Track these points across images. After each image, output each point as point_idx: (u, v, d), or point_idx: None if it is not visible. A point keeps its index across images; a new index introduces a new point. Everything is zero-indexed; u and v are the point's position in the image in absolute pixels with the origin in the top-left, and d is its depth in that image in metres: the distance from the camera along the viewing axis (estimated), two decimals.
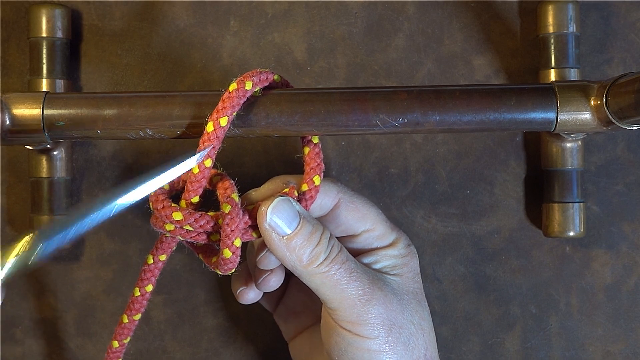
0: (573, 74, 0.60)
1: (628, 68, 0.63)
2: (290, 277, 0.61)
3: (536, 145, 0.63)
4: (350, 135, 0.62)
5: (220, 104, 0.50)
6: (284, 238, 0.51)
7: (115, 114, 0.52)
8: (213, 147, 0.50)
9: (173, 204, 0.51)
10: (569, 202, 0.61)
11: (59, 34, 0.61)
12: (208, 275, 0.64)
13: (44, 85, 0.61)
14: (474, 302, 0.64)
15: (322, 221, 0.54)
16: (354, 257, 0.54)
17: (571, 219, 0.61)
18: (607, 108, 0.51)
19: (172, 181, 0.51)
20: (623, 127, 0.50)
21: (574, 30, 0.61)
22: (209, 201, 0.52)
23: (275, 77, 0.53)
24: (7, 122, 0.53)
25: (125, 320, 0.56)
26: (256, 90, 0.51)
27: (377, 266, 0.55)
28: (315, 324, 0.59)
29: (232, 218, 0.50)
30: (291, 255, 0.51)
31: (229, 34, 0.64)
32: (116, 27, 0.64)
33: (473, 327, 0.64)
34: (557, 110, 0.52)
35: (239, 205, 0.51)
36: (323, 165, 0.53)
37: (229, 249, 0.50)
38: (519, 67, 0.64)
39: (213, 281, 0.64)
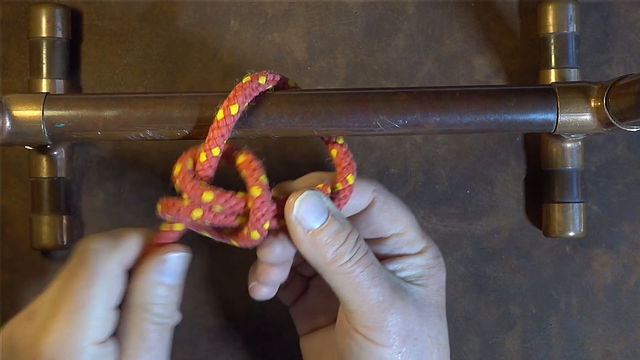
0: (573, 74, 0.60)
1: (628, 68, 0.63)
2: (311, 278, 0.60)
3: (536, 145, 0.63)
4: (350, 136, 0.63)
5: (232, 92, 0.50)
6: (309, 232, 0.50)
7: (115, 115, 0.52)
8: (222, 136, 0.50)
9: (202, 184, 0.50)
10: (569, 202, 0.61)
11: (59, 34, 0.61)
12: (208, 275, 0.64)
13: (44, 85, 0.61)
14: (474, 302, 0.64)
15: (353, 219, 0.54)
16: (380, 261, 0.53)
17: (571, 219, 0.61)
18: (607, 109, 0.51)
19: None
20: (623, 128, 0.50)
21: (574, 30, 0.61)
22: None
23: (290, 82, 0.53)
24: (7, 124, 0.53)
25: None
26: (269, 87, 0.51)
27: (402, 274, 0.54)
28: (330, 325, 0.58)
29: (263, 202, 0.49)
30: (315, 251, 0.51)
31: (229, 34, 0.64)
32: (116, 27, 0.64)
33: (473, 327, 0.64)
34: (558, 111, 0.52)
35: (269, 188, 0.50)
36: (354, 163, 0.53)
37: (258, 232, 0.50)
38: (519, 67, 0.64)
39: (213, 281, 0.64)
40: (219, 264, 0.64)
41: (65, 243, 0.62)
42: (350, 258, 0.50)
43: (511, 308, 0.64)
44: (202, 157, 0.50)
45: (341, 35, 0.64)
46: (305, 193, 0.50)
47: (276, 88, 0.53)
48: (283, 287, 0.58)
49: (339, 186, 0.52)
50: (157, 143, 0.63)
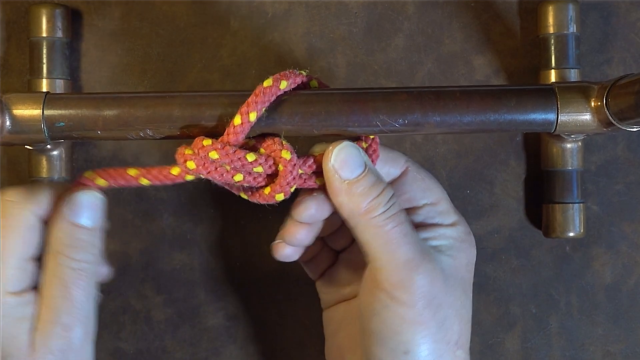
0: (573, 75, 0.60)
1: (628, 68, 0.63)
2: (340, 252, 0.60)
3: (536, 146, 0.63)
4: (350, 136, 0.63)
5: (252, 97, 0.50)
6: (346, 182, 0.51)
7: (115, 114, 0.52)
8: (237, 141, 0.50)
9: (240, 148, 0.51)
10: (569, 203, 0.61)
11: (59, 34, 0.61)
12: (208, 275, 0.64)
13: (44, 85, 0.61)
14: (474, 302, 0.64)
15: None
16: None
17: (571, 220, 0.61)
18: (607, 109, 0.51)
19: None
20: (623, 128, 0.50)
21: (574, 30, 0.61)
22: None
23: (313, 82, 0.53)
24: (7, 123, 0.53)
25: None
26: (287, 91, 0.52)
27: (433, 243, 0.54)
28: (354, 297, 0.58)
29: (294, 164, 0.51)
30: (350, 201, 0.51)
31: (229, 34, 0.64)
32: (116, 27, 0.64)
33: (473, 327, 0.64)
34: (558, 111, 0.52)
35: (295, 154, 0.51)
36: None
37: (284, 194, 0.51)
38: (519, 67, 0.64)
39: (213, 281, 0.64)
40: (219, 263, 0.64)
41: None
42: (384, 211, 0.51)
43: (511, 308, 0.64)
44: (214, 155, 0.50)
45: (341, 35, 0.64)
46: (344, 143, 0.51)
47: (296, 89, 0.53)
48: (311, 259, 0.59)
49: (364, 144, 0.53)
50: (157, 143, 0.63)
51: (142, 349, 0.65)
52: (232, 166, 0.50)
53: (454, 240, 0.54)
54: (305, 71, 0.53)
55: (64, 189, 0.51)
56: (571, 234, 0.61)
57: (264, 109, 0.50)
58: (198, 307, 0.65)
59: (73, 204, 0.50)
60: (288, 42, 0.64)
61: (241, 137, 0.50)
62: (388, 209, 0.51)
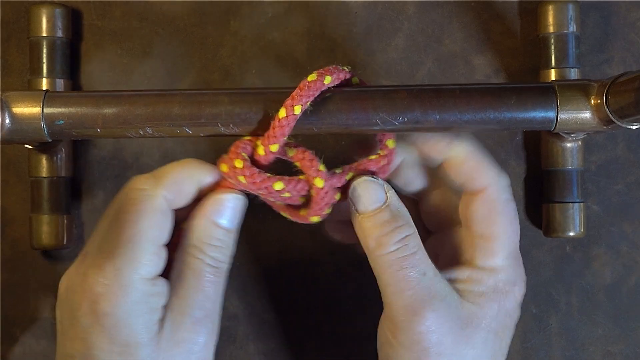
0: (573, 74, 0.60)
1: (628, 67, 0.63)
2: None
3: (536, 145, 0.63)
4: (349, 134, 0.63)
5: (296, 91, 0.50)
6: (359, 215, 0.51)
7: (115, 112, 0.52)
8: (283, 134, 0.50)
9: (268, 175, 0.50)
10: (569, 202, 0.61)
11: (59, 34, 0.61)
12: None
13: (44, 85, 0.61)
14: None
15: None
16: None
17: (571, 219, 0.61)
18: (607, 107, 0.51)
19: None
20: (623, 125, 0.50)
21: (574, 30, 0.61)
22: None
23: (354, 79, 0.53)
24: (7, 121, 0.53)
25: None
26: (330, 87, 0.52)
27: (459, 286, 0.52)
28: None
29: (326, 192, 0.51)
30: (360, 234, 0.51)
31: (229, 33, 0.64)
32: (116, 26, 0.64)
33: None
34: (557, 109, 0.52)
35: (329, 177, 0.51)
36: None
37: (320, 217, 0.52)
38: (519, 67, 0.64)
39: None
40: None
41: (65, 243, 0.62)
42: (394, 250, 0.50)
43: None
44: (261, 151, 0.50)
45: (341, 35, 0.64)
46: (363, 178, 0.51)
47: (339, 86, 0.52)
48: None
49: (382, 152, 0.53)
50: (157, 142, 0.63)
51: None
52: (254, 188, 0.50)
53: (486, 287, 0.52)
54: (347, 67, 0.53)
55: (194, 172, 0.51)
56: (571, 234, 0.61)
57: (308, 104, 0.50)
58: None
59: (218, 204, 0.51)
60: (288, 42, 0.64)
61: (287, 131, 0.50)
62: (399, 248, 0.50)
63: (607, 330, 0.64)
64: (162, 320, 0.49)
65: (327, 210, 0.52)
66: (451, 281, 0.52)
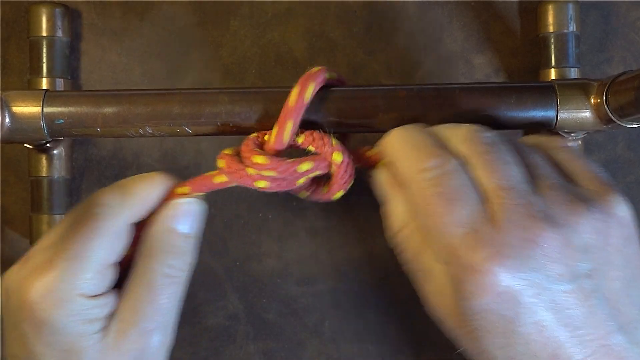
0: (573, 74, 0.60)
1: (628, 67, 0.63)
2: None
3: None
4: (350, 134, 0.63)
5: (305, 76, 0.50)
6: None
7: (114, 111, 0.52)
8: (298, 117, 0.50)
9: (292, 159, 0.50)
10: None
11: (59, 33, 0.61)
12: (208, 275, 0.64)
13: (44, 85, 0.61)
14: None
15: None
16: None
17: None
18: (607, 106, 0.51)
19: None
20: (623, 125, 0.50)
21: (574, 29, 0.61)
22: None
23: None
24: (7, 120, 0.53)
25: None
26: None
27: None
28: None
29: (347, 164, 0.50)
30: None
31: (229, 33, 0.64)
32: (116, 26, 0.64)
33: None
34: (557, 108, 0.52)
35: (346, 150, 0.51)
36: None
37: (344, 191, 0.52)
38: (519, 66, 0.64)
39: (213, 281, 0.64)
40: (219, 263, 0.64)
41: None
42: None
43: None
44: (272, 140, 0.50)
45: (341, 35, 0.64)
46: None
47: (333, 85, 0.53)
48: None
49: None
50: (157, 141, 0.64)
51: None
52: (282, 177, 0.50)
53: None
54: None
55: (161, 188, 0.50)
56: None
57: (313, 92, 0.50)
58: (198, 307, 0.65)
59: (174, 209, 0.50)
60: (288, 42, 0.64)
61: (298, 115, 0.50)
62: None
63: None
64: (106, 329, 0.48)
65: (350, 183, 0.51)
66: None
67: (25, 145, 0.59)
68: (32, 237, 0.61)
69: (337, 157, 0.50)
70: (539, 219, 0.44)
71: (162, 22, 0.64)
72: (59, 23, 0.61)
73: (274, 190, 0.50)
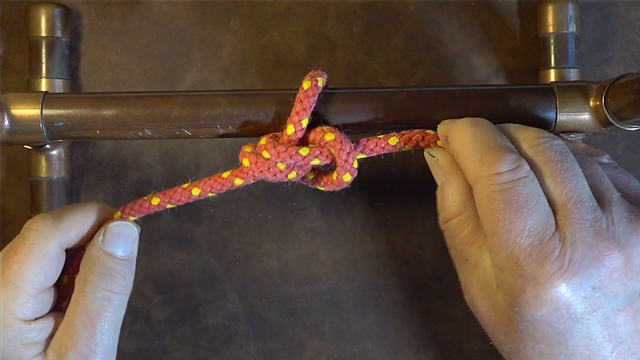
0: (573, 74, 0.60)
1: (628, 67, 0.63)
2: None
3: None
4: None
5: (313, 72, 0.51)
6: None
7: (114, 114, 0.52)
8: (310, 106, 0.50)
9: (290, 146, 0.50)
10: None
11: (58, 34, 0.61)
12: (208, 275, 0.64)
13: (43, 85, 0.61)
14: None
15: None
16: None
17: None
18: (606, 109, 0.51)
19: None
20: (622, 128, 0.50)
21: (574, 30, 0.61)
22: None
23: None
24: (6, 122, 0.53)
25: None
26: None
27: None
28: None
29: (341, 140, 0.50)
30: None
31: (229, 33, 0.64)
32: (116, 26, 0.64)
33: (473, 327, 0.64)
34: (556, 111, 0.52)
35: (340, 133, 0.50)
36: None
37: (349, 173, 0.51)
38: (519, 67, 0.64)
39: (213, 281, 0.64)
40: (218, 263, 0.64)
41: None
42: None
43: None
44: (290, 130, 0.50)
45: (341, 35, 0.64)
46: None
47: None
48: None
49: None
50: (157, 143, 0.63)
51: (142, 348, 0.65)
52: (287, 164, 0.50)
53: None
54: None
55: (94, 215, 0.51)
56: None
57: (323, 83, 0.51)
58: (198, 307, 0.65)
59: (108, 233, 0.50)
60: (288, 42, 0.64)
61: (312, 102, 0.50)
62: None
63: None
64: (45, 353, 0.48)
65: (354, 164, 0.51)
66: None
67: (24, 146, 0.59)
68: None
69: (329, 136, 0.50)
70: (605, 237, 0.44)
71: (162, 22, 0.64)
72: (58, 23, 0.61)
73: (291, 179, 0.51)
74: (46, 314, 0.49)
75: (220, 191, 0.52)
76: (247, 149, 0.51)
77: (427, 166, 0.61)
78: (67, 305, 0.50)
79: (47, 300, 0.49)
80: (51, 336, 0.49)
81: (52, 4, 0.62)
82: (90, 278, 0.49)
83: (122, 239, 0.51)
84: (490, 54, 0.64)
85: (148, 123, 0.52)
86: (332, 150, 0.50)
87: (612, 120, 0.50)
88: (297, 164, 0.50)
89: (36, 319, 0.48)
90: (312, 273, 0.64)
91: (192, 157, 0.64)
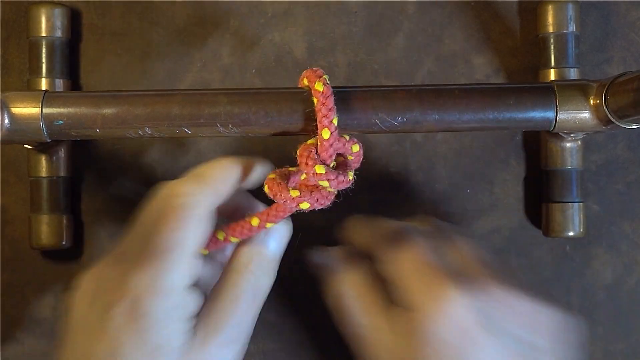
0: (573, 74, 0.60)
1: (628, 67, 0.63)
2: None
3: (536, 145, 0.63)
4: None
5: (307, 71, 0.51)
6: None
7: (114, 112, 0.52)
8: (334, 105, 0.49)
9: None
10: (568, 202, 0.61)
11: (59, 34, 0.61)
12: None
13: (44, 85, 0.61)
14: None
15: None
16: None
17: (571, 219, 0.61)
18: (606, 107, 0.51)
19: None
20: (622, 126, 0.50)
21: (574, 29, 0.61)
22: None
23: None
24: (6, 121, 0.53)
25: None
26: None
27: None
28: None
29: (325, 96, 0.49)
30: None
31: (229, 33, 0.64)
32: (116, 26, 0.64)
33: None
34: (557, 109, 0.52)
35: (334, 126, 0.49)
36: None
37: (328, 128, 0.49)
38: (519, 66, 0.64)
39: None
40: None
41: (64, 243, 0.62)
42: None
43: None
44: (326, 134, 0.49)
45: (341, 35, 0.64)
46: None
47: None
48: None
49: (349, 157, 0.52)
50: (157, 142, 0.63)
51: None
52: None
53: None
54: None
55: (236, 171, 0.51)
56: (571, 234, 0.61)
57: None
58: None
59: (267, 233, 0.52)
60: (288, 42, 0.64)
61: (333, 101, 0.49)
62: None
63: (608, 329, 0.64)
64: (193, 329, 0.48)
65: (334, 120, 0.49)
66: None
67: (24, 145, 0.59)
68: (32, 237, 0.61)
69: (325, 134, 0.49)
70: None
71: (162, 22, 0.64)
72: (58, 23, 0.61)
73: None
74: (195, 284, 0.49)
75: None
76: (294, 193, 0.49)
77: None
78: (214, 290, 0.50)
79: (200, 265, 0.50)
80: (197, 313, 0.49)
81: (52, 4, 0.62)
82: (243, 272, 0.50)
83: (281, 239, 0.53)
84: (490, 53, 0.64)
85: (148, 121, 0.52)
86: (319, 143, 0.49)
87: (612, 119, 0.50)
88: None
89: (192, 286, 0.48)
90: (312, 273, 0.64)
91: (193, 157, 0.64)
